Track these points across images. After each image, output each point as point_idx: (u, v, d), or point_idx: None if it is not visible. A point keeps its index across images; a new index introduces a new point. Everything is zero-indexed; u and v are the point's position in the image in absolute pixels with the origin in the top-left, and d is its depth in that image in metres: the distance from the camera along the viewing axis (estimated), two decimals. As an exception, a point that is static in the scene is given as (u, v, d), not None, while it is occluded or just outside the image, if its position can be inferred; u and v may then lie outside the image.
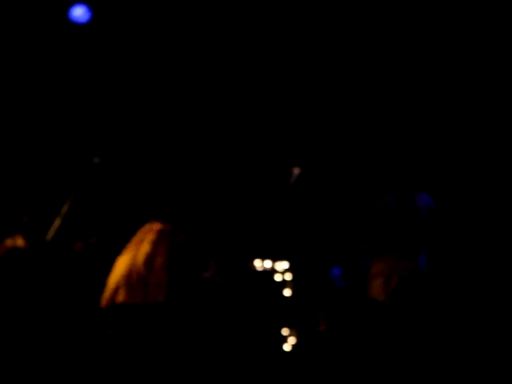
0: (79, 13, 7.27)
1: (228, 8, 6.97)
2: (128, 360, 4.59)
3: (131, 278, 4.73)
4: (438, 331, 4.73)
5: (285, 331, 5.40)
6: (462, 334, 4.91)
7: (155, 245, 4.88)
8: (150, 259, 4.79)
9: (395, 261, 4.69)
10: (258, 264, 6.32)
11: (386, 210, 4.93)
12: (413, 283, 4.35)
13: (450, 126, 6.10)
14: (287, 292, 6.10)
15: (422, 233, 4.61)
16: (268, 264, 6.20)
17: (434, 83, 6.40)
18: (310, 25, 6.88)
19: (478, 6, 6.01)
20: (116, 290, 4.79)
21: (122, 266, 4.79)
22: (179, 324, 4.95)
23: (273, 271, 6.05)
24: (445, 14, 6.25)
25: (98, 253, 6.86)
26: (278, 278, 6.19)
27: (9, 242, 6.65)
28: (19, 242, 6.70)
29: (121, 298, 4.73)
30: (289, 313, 5.77)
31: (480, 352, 4.78)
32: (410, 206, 4.80)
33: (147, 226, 5.08)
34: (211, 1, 7.02)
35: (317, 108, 7.04)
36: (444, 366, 4.65)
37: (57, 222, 5.17)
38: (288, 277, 6.17)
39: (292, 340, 5.41)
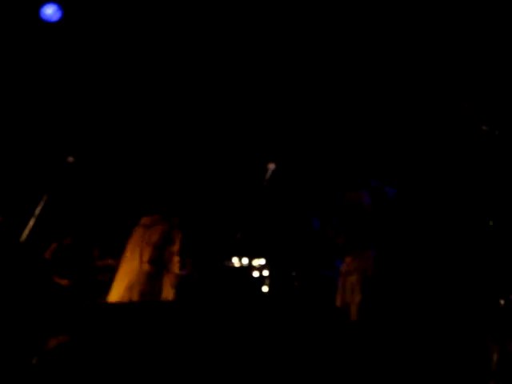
0: (50, 11, 7.22)
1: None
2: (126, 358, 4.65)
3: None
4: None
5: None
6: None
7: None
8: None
9: (369, 256, 4.77)
10: (236, 261, 6.32)
11: (361, 206, 5.00)
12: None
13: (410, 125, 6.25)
14: (265, 288, 6.11)
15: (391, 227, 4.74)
16: (245, 261, 6.21)
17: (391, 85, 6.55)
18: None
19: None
20: (131, 289, 5.01)
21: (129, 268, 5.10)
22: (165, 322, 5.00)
23: (250, 268, 6.06)
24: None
25: (73, 252, 6.83)
26: (255, 274, 6.20)
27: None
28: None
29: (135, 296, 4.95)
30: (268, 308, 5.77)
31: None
32: (382, 202, 4.91)
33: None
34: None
35: (291, 105, 7.07)
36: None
37: (31, 223, 5.12)
38: (265, 273, 6.18)
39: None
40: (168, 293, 6.30)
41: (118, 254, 6.18)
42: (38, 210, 5.13)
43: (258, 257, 6.30)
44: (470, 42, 6.10)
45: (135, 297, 5.46)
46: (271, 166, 5.09)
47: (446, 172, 5.60)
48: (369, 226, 5.15)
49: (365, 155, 5.79)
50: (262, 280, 6.27)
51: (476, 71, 5.99)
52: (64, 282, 6.55)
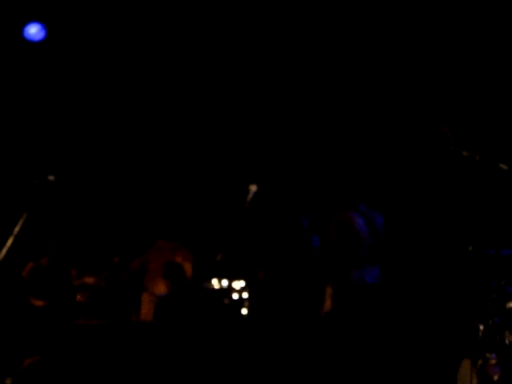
0: (34, 31, 7.22)
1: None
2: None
3: None
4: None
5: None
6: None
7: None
8: None
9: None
10: (215, 283, 6.28)
11: (355, 230, 5.06)
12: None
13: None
14: (244, 310, 6.07)
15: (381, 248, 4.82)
16: (225, 283, 6.17)
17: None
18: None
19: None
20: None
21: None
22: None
23: (230, 290, 6.02)
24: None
25: (50, 272, 6.75)
26: (235, 296, 6.16)
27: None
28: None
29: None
30: (246, 331, 5.75)
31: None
32: (372, 225, 4.99)
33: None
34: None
35: (274, 126, 7.09)
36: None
37: (9, 242, 5.05)
38: (245, 295, 6.15)
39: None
40: (147, 314, 6.28)
41: (95, 273, 6.14)
42: (16, 229, 5.07)
43: (238, 278, 6.27)
44: (452, 66, 6.19)
45: None
46: (253, 188, 5.09)
47: (427, 196, 5.67)
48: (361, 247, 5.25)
49: (347, 177, 5.84)
50: (241, 302, 6.24)
51: (458, 96, 6.07)
52: (39, 302, 6.47)
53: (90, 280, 6.52)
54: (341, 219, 5.30)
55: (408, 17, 6.33)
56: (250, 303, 6.12)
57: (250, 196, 5.04)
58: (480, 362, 4.14)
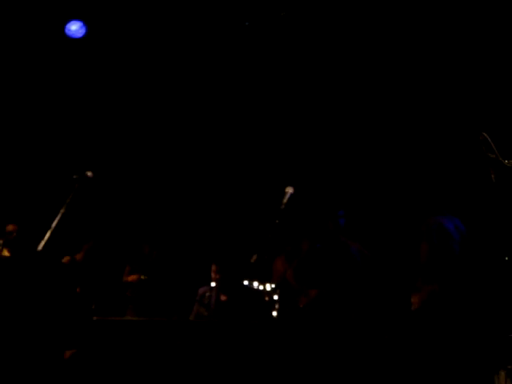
0: (75, 28, 7.31)
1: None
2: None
3: None
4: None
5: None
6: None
7: None
8: None
9: None
10: (247, 283, 6.30)
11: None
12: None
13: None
14: (274, 312, 6.07)
15: None
16: (256, 284, 6.18)
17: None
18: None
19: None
20: None
21: None
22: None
23: (261, 291, 6.03)
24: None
25: (85, 266, 6.85)
26: (266, 298, 6.16)
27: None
28: (5, 253, 6.67)
29: None
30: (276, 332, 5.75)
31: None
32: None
33: None
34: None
35: (310, 129, 7.10)
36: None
37: (47, 235, 5.13)
38: (275, 297, 6.15)
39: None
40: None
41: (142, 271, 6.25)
42: (54, 223, 5.14)
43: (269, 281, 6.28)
44: (493, 74, 6.13)
45: None
46: (289, 190, 5.09)
47: (466, 204, 5.61)
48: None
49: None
50: (272, 304, 6.24)
51: (499, 103, 6.00)
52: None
53: (133, 278, 6.64)
54: (434, 223, 5.15)
55: (450, 27, 6.31)
56: (280, 305, 6.12)
57: (286, 198, 5.05)
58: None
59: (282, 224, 4.91)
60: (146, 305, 6.78)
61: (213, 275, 6.75)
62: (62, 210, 5.14)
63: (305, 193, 5.38)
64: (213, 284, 6.72)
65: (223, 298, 6.77)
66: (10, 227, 7.00)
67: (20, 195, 7.37)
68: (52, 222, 5.05)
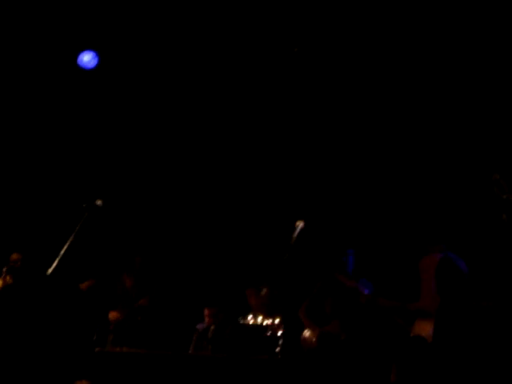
0: (87, 59, 7.38)
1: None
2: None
3: None
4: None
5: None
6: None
7: None
8: None
9: None
10: (251, 318, 6.26)
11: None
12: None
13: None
14: (278, 347, 6.02)
15: None
16: (260, 320, 6.14)
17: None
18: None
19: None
20: None
21: None
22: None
23: (264, 326, 5.98)
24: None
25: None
26: (269, 333, 6.12)
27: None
28: (8, 280, 6.65)
29: None
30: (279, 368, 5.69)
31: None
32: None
33: None
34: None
35: (320, 164, 7.13)
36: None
37: (55, 263, 5.12)
38: (279, 332, 6.10)
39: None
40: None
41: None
42: (63, 251, 5.13)
43: (274, 315, 6.24)
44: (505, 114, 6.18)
45: None
46: (299, 224, 5.09)
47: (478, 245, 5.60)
48: None
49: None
50: (275, 340, 6.19)
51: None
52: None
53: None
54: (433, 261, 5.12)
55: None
56: (283, 341, 6.07)
57: (296, 232, 5.06)
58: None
59: (291, 258, 4.91)
60: (130, 337, 6.75)
61: (206, 319, 6.65)
62: (70, 238, 5.14)
63: (315, 228, 5.40)
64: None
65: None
66: (14, 256, 7.00)
67: (29, 223, 7.37)
68: (60, 250, 5.05)
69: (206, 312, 6.58)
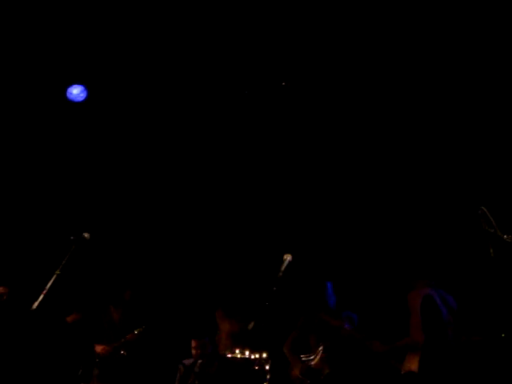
0: (76, 92, 7.42)
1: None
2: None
3: None
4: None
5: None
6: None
7: None
8: None
9: None
10: (238, 352, 6.21)
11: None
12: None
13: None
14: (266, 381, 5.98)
15: None
16: (248, 353, 6.09)
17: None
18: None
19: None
20: None
21: None
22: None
23: (252, 360, 5.94)
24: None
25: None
26: (256, 367, 6.07)
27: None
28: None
29: None
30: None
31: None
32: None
33: None
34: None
35: (308, 198, 7.16)
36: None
37: (41, 297, 5.07)
38: (267, 366, 6.06)
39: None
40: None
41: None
42: (49, 284, 5.08)
43: (261, 350, 6.20)
44: (491, 147, 6.24)
45: None
46: (287, 257, 5.08)
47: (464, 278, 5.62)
48: None
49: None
50: (263, 374, 6.14)
51: (497, 177, 6.09)
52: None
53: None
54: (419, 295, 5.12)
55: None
56: (270, 376, 6.03)
57: (284, 265, 5.04)
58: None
59: (279, 291, 4.89)
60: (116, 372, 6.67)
61: (193, 351, 6.58)
62: (56, 271, 5.10)
63: (303, 261, 5.40)
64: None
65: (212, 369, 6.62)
66: (0, 289, 6.93)
67: (15, 256, 7.32)
68: (46, 284, 5.00)
69: (194, 344, 6.50)
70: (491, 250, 4.37)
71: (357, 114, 6.85)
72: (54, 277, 5.06)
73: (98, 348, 6.69)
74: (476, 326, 5.44)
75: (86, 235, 5.31)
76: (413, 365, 5.01)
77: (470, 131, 6.41)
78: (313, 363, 5.96)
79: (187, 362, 6.51)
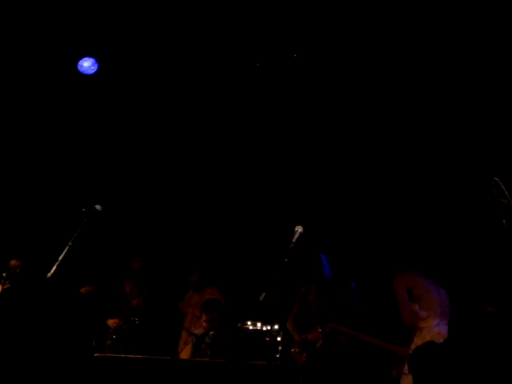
0: (87, 65, 7.40)
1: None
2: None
3: None
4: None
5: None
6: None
7: None
8: None
9: None
10: (250, 324, 6.23)
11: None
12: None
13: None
14: (277, 353, 6.00)
15: None
16: (259, 325, 6.11)
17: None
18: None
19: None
20: None
21: None
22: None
23: (264, 332, 5.96)
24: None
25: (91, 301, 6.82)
26: (268, 338, 6.10)
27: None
28: (7, 286, 6.67)
29: None
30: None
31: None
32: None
33: None
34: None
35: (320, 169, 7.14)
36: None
37: (53, 268, 5.10)
38: (279, 338, 6.08)
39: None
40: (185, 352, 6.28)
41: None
42: (61, 256, 5.11)
43: (273, 322, 6.22)
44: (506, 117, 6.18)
45: None
46: (299, 229, 5.06)
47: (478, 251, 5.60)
48: None
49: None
50: (274, 345, 6.16)
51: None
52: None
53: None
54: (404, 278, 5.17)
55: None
56: (282, 347, 6.05)
57: (295, 237, 5.03)
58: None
59: (291, 263, 4.88)
60: (128, 342, 6.75)
61: (204, 324, 6.61)
62: (69, 243, 5.12)
63: (314, 232, 5.39)
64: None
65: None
66: (13, 262, 7.01)
67: (28, 229, 7.37)
68: (59, 255, 5.03)
69: (204, 317, 6.53)
70: (504, 221, 4.33)
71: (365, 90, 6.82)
72: (67, 249, 5.09)
73: (110, 321, 6.81)
74: (490, 298, 5.43)
75: (98, 207, 5.32)
76: (420, 341, 5.07)
77: (484, 103, 6.35)
78: (309, 336, 6.04)
79: (198, 332, 6.55)
